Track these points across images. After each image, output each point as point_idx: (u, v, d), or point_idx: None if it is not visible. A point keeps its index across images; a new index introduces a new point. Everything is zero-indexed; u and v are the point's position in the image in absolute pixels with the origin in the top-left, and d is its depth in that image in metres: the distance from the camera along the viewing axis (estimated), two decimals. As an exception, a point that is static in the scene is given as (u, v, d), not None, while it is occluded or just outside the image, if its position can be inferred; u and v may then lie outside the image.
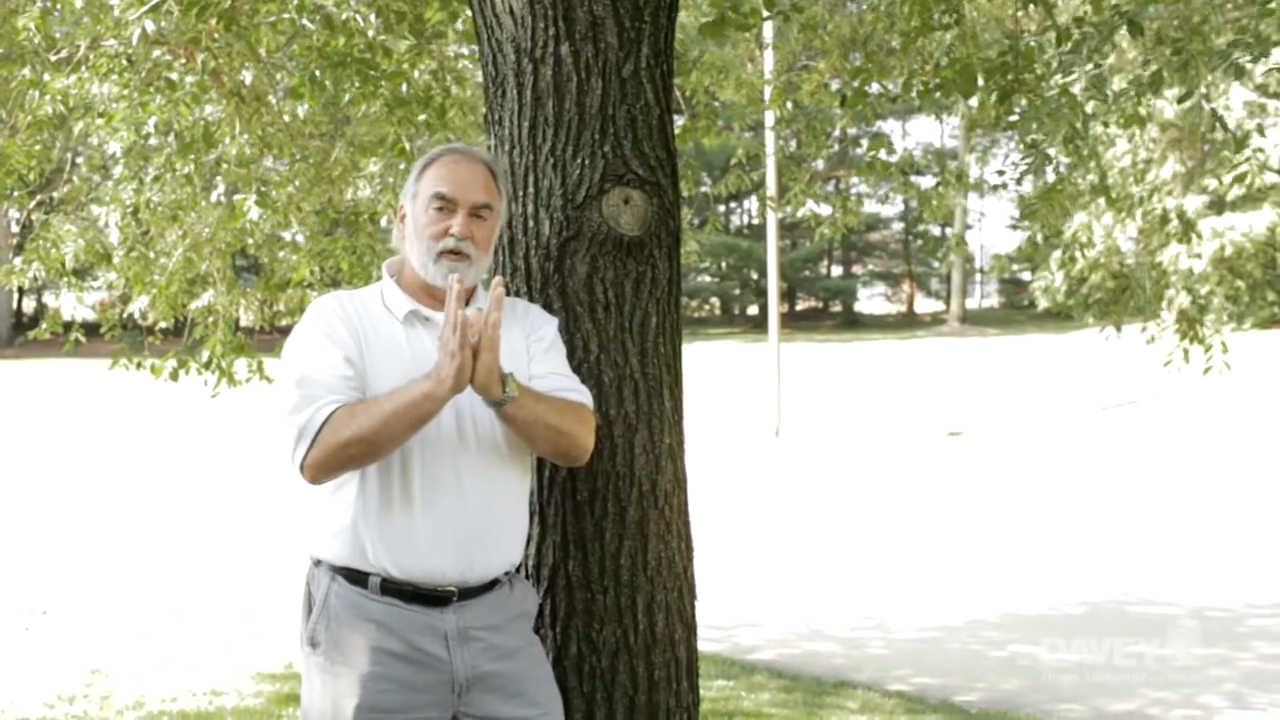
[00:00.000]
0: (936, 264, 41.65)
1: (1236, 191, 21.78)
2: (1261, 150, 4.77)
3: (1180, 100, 3.78)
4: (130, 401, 18.45)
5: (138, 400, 18.15)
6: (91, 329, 6.68)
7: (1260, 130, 4.99)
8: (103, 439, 16.31)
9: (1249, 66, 3.29)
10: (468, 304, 2.26)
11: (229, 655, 5.90)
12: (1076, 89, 3.79)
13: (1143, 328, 5.87)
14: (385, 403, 2.12)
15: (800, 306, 46.06)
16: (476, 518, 2.22)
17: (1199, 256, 22.69)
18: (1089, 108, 3.97)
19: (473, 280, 2.29)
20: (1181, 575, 7.53)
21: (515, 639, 2.30)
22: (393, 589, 2.18)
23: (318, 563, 2.26)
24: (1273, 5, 3.52)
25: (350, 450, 2.11)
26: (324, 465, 2.13)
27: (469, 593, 2.23)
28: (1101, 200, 5.10)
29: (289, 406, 2.16)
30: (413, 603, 2.18)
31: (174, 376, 5.84)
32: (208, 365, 5.77)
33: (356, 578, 2.19)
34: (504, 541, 2.29)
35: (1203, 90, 3.89)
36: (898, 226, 45.79)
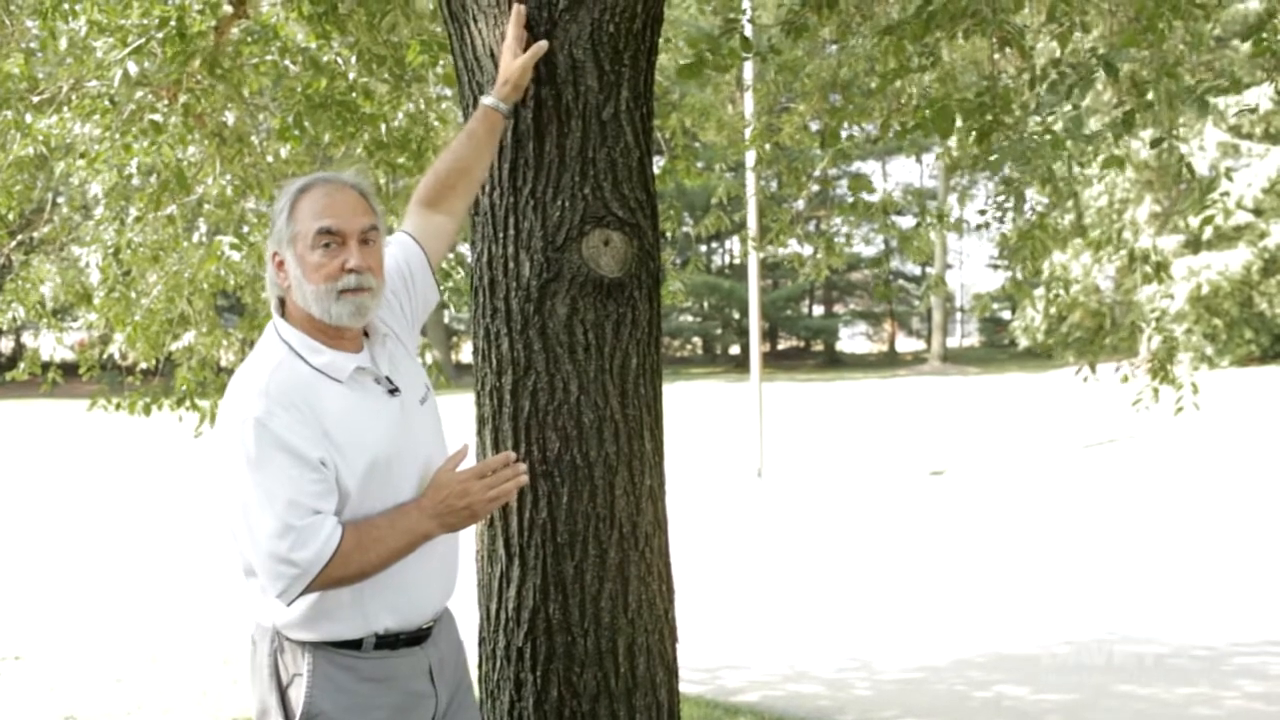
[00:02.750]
0: (917, 303, 41.89)
1: (1207, 232, 22.03)
2: (1227, 194, 4.84)
3: (1153, 144, 3.83)
4: (109, 443, 18.30)
5: (116, 442, 18.01)
6: (70, 369, 6.64)
7: (1228, 175, 5.05)
8: (80, 481, 16.15)
9: (1215, 101, 3.33)
10: (366, 335, 2.22)
11: (205, 700, 5.82)
12: (1056, 128, 3.83)
13: (1116, 367, 5.90)
14: (388, 537, 2.07)
15: (782, 346, 46.17)
16: (446, 543, 2.24)
17: (1171, 297, 22.87)
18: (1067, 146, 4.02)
19: (375, 308, 2.20)
20: (1165, 613, 7.52)
21: (460, 652, 2.34)
22: (387, 642, 2.14)
23: (286, 639, 2.12)
24: (1266, 43, 3.57)
25: (348, 581, 2.05)
26: (310, 590, 2.02)
27: (436, 619, 2.25)
28: (1079, 240, 5.16)
29: (274, 544, 1.98)
30: (400, 648, 2.16)
31: (146, 411, 5.80)
32: (180, 402, 5.74)
33: (347, 644, 2.12)
34: (459, 558, 2.32)
35: (1176, 133, 3.94)
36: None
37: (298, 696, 2.09)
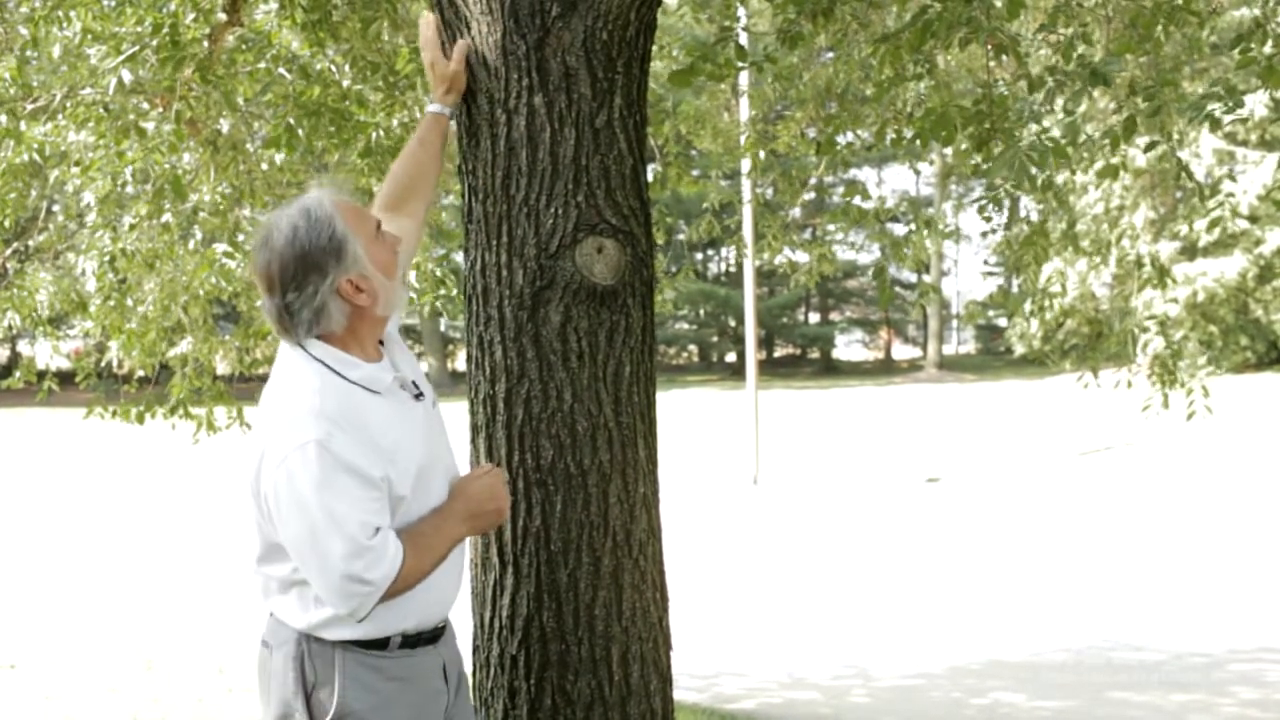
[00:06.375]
0: (912, 309, 41.88)
1: (1208, 238, 22.05)
2: (1232, 195, 4.85)
3: (1148, 149, 3.83)
4: (105, 451, 18.27)
5: (112, 450, 17.98)
6: (66, 378, 6.62)
7: (1231, 176, 5.06)
8: (76, 489, 16.12)
9: (1220, 117, 3.33)
10: (381, 344, 2.26)
11: (201, 708, 5.80)
12: (1052, 134, 3.82)
13: (1125, 369, 5.89)
14: (435, 544, 2.14)
15: (778, 353, 46.18)
16: (459, 545, 2.28)
17: (1175, 301, 22.92)
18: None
19: None
20: (1162, 620, 7.52)
21: (458, 651, 2.36)
22: (410, 641, 2.18)
23: (315, 642, 2.13)
24: (1253, 53, 3.57)
25: (403, 590, 2.09)
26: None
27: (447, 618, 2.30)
28: (1072, 248, 5.15)
29: (348, 565, 1.99)
30: (420, 647, 2.20)
31: (139, 419, 5.79)
32: (173, 410, 5.73)
33: (374, 644, 2.14)
34: (465, 560, 2.36)
35: (1175, 139, 3.94)
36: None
37: (328, 698, 2.11)
